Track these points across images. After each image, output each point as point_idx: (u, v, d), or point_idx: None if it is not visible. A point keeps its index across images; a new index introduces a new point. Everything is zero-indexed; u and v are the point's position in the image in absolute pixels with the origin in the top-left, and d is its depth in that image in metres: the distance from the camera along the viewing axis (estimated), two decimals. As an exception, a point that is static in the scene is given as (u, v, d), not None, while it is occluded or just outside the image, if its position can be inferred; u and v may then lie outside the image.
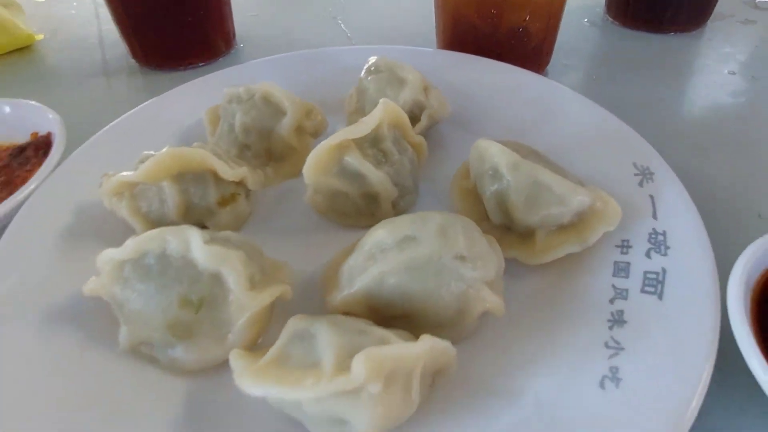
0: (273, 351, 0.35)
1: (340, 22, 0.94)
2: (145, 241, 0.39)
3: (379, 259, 0.40)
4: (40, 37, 0.87)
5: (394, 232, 0.41)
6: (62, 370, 0.40)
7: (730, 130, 0.66)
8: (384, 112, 0.48)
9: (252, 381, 0.33)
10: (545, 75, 0.76)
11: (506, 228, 0.48)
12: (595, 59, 0.82)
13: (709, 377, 0.36)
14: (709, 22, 0.87)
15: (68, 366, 0.40)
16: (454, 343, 0.37)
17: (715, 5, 0.86)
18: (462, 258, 0.39)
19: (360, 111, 0.61)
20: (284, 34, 0.91)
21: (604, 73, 0.78)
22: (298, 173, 0.57)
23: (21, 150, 0.61)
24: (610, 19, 0.90)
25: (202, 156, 0.46)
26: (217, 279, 0.39)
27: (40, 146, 0.60)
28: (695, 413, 0.34)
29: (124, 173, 0.46)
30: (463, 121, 0.63)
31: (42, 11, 0.99)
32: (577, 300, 0.43)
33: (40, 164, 0.59)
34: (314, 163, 0.47)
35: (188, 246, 0.39)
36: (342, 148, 0.47)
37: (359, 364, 0.31)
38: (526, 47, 0.71)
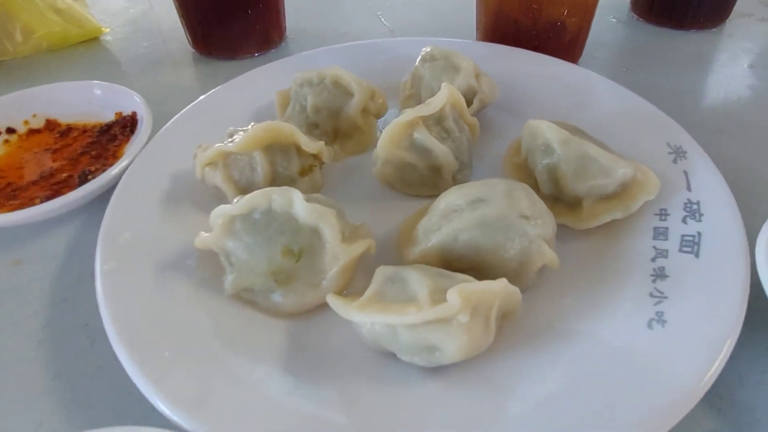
0: (369, 292, 0.41)
1: (380, 16, 1.00)
2: (254, 198, 0.45)
3: (453, 218, 0.46)
4: (106, 30, 0.94)
5: (466, 195, 0.47)
6: (176, 311, 0.46)
7: (750, 117, 0.72)
8: (449, 94, 0.54)
9: (359, 311, 0.39)
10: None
11: (555, 198, 0.54)
12: (623, 53, 0.88)
13: (741, 321, 0.41)
14: (728, 20, 0.93)
15: (180, 309, 0.46)
16: (516, 292, 0.43)
17: (734, 4, 0.92)
18: (526, 217, 0.45)
19: (414, 96, 0.67)
20: (330, 29, 0.97)
21: (632, 65, 0.84)
22: (361, 150, 0.63)
23: (108, 128, 0.67)
24: (635, 16, 0.95)
25: (290, 129, 0.52)
26: (315, 232, 0.45)
27: (126, 124, 0.66)
28: (730, 350, 0.40)
29: (222, 145, 0.52)
30: (508, 106, 0.68)
31: (98, 4, 1.05)
32: (623, 259, 0.49)
33: (127, 140, 0.65)
34: (389, 137, 0.53)
35: (291, 203, 0.45)
36: (412, 125, 0.53)
37: (454, 295, 0.37)
38: (563, 40, 0.77)
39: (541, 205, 0.47)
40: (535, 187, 0.56)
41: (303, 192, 0.55)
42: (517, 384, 0.41)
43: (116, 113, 0.68)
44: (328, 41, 0.92)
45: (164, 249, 0.50)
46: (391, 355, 0.42)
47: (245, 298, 0.47)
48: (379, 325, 0.40)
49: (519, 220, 0.45)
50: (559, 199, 0.54)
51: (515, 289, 0.42)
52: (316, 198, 0.48)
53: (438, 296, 0.39)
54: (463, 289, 0.37)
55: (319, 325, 0.46)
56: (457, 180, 0.57)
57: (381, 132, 0.66)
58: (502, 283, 0.40)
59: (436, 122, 0.55)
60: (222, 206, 0.46)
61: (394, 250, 0.52)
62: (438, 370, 0.41)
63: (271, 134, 0.52)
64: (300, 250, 0.45)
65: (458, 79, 0.62)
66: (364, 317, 0.39)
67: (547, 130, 0.53)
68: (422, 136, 0.53)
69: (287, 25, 0.93)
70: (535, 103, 0.68)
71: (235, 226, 0.45)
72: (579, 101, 0.66)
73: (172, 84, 0.82)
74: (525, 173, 0.57)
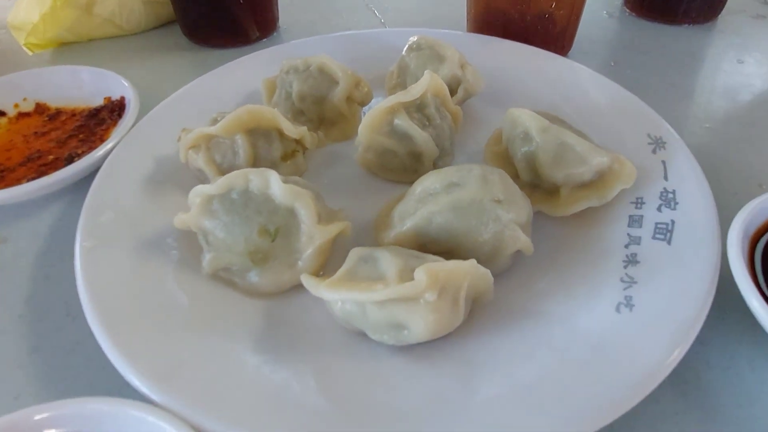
0: (341, 271, 0.42)
1: (372, 8, 1.01)
2: (232, 179, 0.45)
3: (428, 201, 0.47)
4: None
5: (442, 179, 0.47)
6: (154, 289, 0.46)
7: (737, 111, 0.72)
8: (430, 81, 0.55)
9: (328, 289, 0.40)
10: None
11: (534, 185, 0.55)
12: (613, 47, 0.88)
13: (708, 306, 0.42)
14: (720, 16, 0.93)
15: (159, 287, 0.46)
16: (489, 276, 0.44)
17: (726, 0, 0.92)
18: (499, 201, 0.46)
19: (401, 85, 0.68)
20: (321, 19, 0.98)
21: (621, 60, 0.84)
22: (345, 137, 0.64)
23: (96, 112, 0.68)
24: (628, 11, 0.96)
25: (273, 114, 0.53)
26: (291, 212, 0.46)
27: (114, 108, 0.67)
28: (695, 334, 0.40)
29: (204, 128, 0.53)
30: (493, 97, 0.69)
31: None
32: (596, 245, 0.50)
33: (114, 124, 0.66)
34: (369, 122, 0.54)
35: (268, 183, 0.45)
36: (393, 111, 0.54)
37: (421, 273, 0.38)
38: (551, 32, 0.77)
39: (515, 190, 0.48)
40: (515, 175, 0.56)
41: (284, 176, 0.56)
42: (486, 364, 0.41)
43: (105, 98, 0.69)
44: (320, 32, 0.93)
45: (145, 229, 0.51)
46: (363, 335, 0.43)
47: (223, 277, 0.48)
48: (350, 304, 0.41)
49: (492, 204, 0.45)
50: (539, 186, 0.55)
51: (486, 271, 0.42)
52: (294, 180, 0.48)
53: (407, 275, 0.39)
54: (431, 268, 0.38)
55: (294, 305, 0.47)
56: (437, 167, 0.58)
57: (365, 119, 0.67)
58: (470, 263, 0.40)
59: (417, 109, 0.56)
60: (200, 186, 0.46)
61: (371, 235, 0.52)
62: (407, 349, 0.42)
63: (253, 117, 0.53)
64: (276, 230, 0.45)
65: (443, 69, 0.63)
66: (333, 294, 0.39)
67: (526, 119, 0.53)
68: (403, 122, 0.54)
69: (279, 16, 0.93)
70: (521, 94, 0.68)
71: (213, 206, 0.46)
72: (564, 93, 0.67)
73: (163, 71, 0.83)
74: (505, 161, 0.58)
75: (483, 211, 0.45)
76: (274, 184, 0.45)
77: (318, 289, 0.40)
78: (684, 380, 0.43)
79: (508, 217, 0.46)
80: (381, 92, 0.71)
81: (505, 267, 0.48)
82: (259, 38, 0.89)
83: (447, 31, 0.80)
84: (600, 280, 0.46)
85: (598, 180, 0.52)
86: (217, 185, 0.45)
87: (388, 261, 0.41)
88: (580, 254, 0.50)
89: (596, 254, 0.49)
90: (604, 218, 0.52)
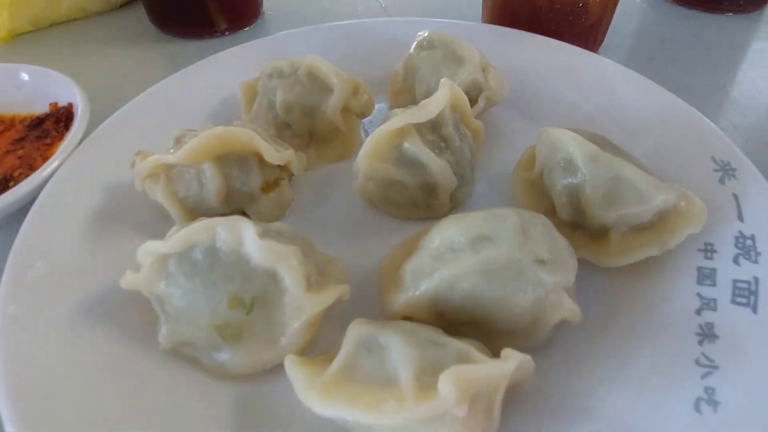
0: (339, 362, 0.32)
1: (372, -9, 0.88)
2: (192, 233, 0.35)
3: (449, 260, 0.36)
4: None
5: (467, 230, 0.37)
6: (95, 369, 0.36)
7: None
8: (449, 94, 0.43)
9: (320, 399, 0.29)
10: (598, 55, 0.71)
11: (576, 225, 0.44)
12: (648, 40, 0.77)
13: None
14: (768, 3, 0.82)
15: (102, 365, 0.36)
16: (525, 353, 0.34)
17: (777, -15, 0.80)
18: (542, 262, 0.35)
19: (407, 90, 0.57)
20: (312, 3, 0.85)
21: (659, 55, 0.73)
22: (341, 157, 0.53)
23: (39, 122, 0.56)
24: (664, -4, 0.84)
25: (249, 137, 0.42)
26: (272, 277, 0.35)
27: (60, 118, 0.55)
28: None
29: (162, 155, 0.42)
30: (517, 103, 0.58)
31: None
32: (659, 309, 0.40)
33: (61, 138, 0.54)
34: (372, 148, 0.43)
35: (241, 240, 0.35)
36: (402, 134, 0.43)
37: (448, 386, 0.27)
38: (584, 24, 0.66)
39: (562, 244, 0.37)
40: (552, 209, 0.46)
41: (266, 212, 0.45)
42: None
43: (51, 104, 0.57)
44: (309, 19, 0.81)
45: (88, 286, 0.40)
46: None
47: (185, 353, 0.37)
48: (349, 413, 0.30)
49: (534, 266, 0.35)
50: (581, 226, 0.44)
51: (527, 359, 0.32)
52: (276, 230, 0.37)
53: (426, 379, 0.29)
54: (461, 376, 0.28)
55: (275, 391, 0.36)
56: (455, 199, 0.47)
57: (366, 134, 0.56)
58: (512, 362, 0.30)
59: (432, 129, 0.45)
60: (150, 243, 0.35)
61: (373, 290, 0.42)
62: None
63: (224, 142, 0.42)
64: (252, 299, 0.35)
65: (461, 73, 0.51)
66: (328, 409, 0.29)
67: (570, 143, 0.42)
68: (414, 146, 0.43)
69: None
70: (550, 101, 0.58)
71: (169, 267, 0.35)
72: (604, 102, 0.56)
73: (123, 68, 0.71)
74: (539, 192, 0.47)
75: (522, 275, 0.35)
76: (248, 241, 0.34)
77: (307, 395, 0.30)
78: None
79: (553, 281, 0.35)
80: (382, 96, 0.60)
81: (545, 341, 0.38)
82: (240, 27, 0.77)
83: (460, 21, 0.68)
84: (669, 363, 0.36)
85: (659, 222, 0.42)
86: (173, 242, 0.34)
87: (399, 354, 0.30)
88: (637, 322, 0.39)
89: (659, 323, 0.39)
90: (665, 271, 0.42)
